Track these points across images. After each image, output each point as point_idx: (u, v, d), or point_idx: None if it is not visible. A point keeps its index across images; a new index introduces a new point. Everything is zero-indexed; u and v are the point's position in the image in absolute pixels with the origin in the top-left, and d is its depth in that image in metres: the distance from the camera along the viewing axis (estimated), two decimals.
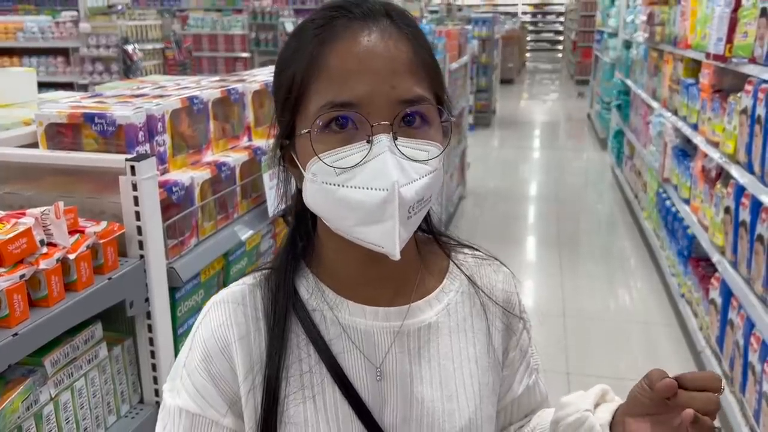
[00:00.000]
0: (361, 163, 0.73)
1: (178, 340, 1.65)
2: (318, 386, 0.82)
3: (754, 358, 2.48)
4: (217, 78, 2.36)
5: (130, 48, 6.46)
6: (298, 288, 0.86)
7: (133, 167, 1.44)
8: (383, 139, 0.73)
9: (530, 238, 5.75)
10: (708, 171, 3.46)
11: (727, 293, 2.91)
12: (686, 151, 4.18)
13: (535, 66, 22.01)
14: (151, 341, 1.56)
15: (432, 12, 13.94)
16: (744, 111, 2.73)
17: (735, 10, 2.96)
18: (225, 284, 1.90)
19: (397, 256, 0.74)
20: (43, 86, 2.57)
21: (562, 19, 25.02)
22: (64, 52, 6.99)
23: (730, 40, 3.00)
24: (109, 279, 1.41)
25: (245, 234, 1.93)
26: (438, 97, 0.80)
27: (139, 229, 1.48)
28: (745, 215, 2.66)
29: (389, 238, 0.73)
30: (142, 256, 1.50)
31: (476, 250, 0.97)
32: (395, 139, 0.74)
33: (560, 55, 24.58)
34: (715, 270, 3.12)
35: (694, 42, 3.77)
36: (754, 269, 2.55)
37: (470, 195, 6.66)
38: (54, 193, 1.53)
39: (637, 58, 6.20)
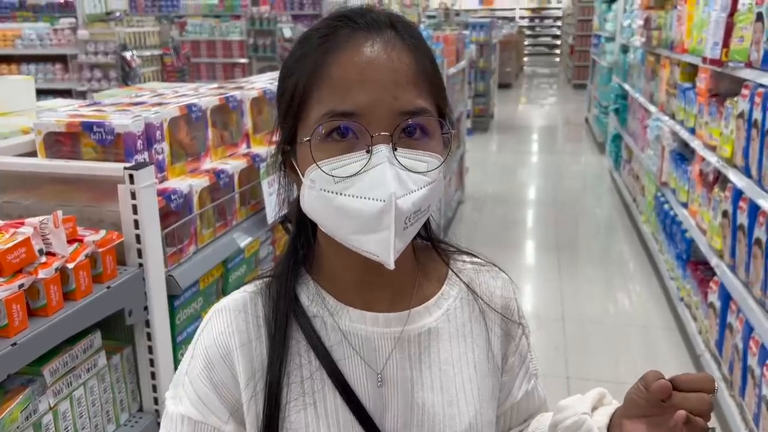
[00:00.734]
0: (359, 172, 0.74)
1: (177, 348, 1.65)
2: (319, 393, 0.83)
3: (753, 361, 2.49)
4: (215, 85, 2.36)
5: (128, 55, 6.47)
6: (298, 295, 0.86)
7: (131, 176, 1.44)
8: (383, 150, 0.74)
9: (529, 242, 5.75)
10: (706, 175, 3.47)
11: (726, 297, 2.91)
12: (684, 155, 4.19)
13: (532, 70, 22.06)
14: (150, 349, 1.56)
15: (430, 17, 13.99)
16: (741, 115, 2.74)
17: (731, 14, 2.97)
18: (224, 292, 1.90)
19: (391, 266, 0.74)
20: (41, 93, 2.57)
21: (559, 23, 25.08)
22: (62, 59, 6.99)
23: (726, 44, 3.01)
24: (108, 288, 1.41)
25: (244, 241, 1.93)
26: (440, 109, 0.81)
27: (138, 238, 1.48)
28: (742, 219, 2.67)
29: (384, 248, 0.74)
30: (141, 265, 1.50)
31: (475, 256, 0.98)
32: (395, 149, 0.74)
33: (558, 59, 24.63)
34: (714, 274, 3.12)
35: (691, 46, 3.78)
36: (753, 273, 2.55)
37: (469, 199, 6.66)
38: (52, 201, 1.54)
39: (635, 62, 6.22)
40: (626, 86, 6.70)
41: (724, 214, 2.94)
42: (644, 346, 3.83)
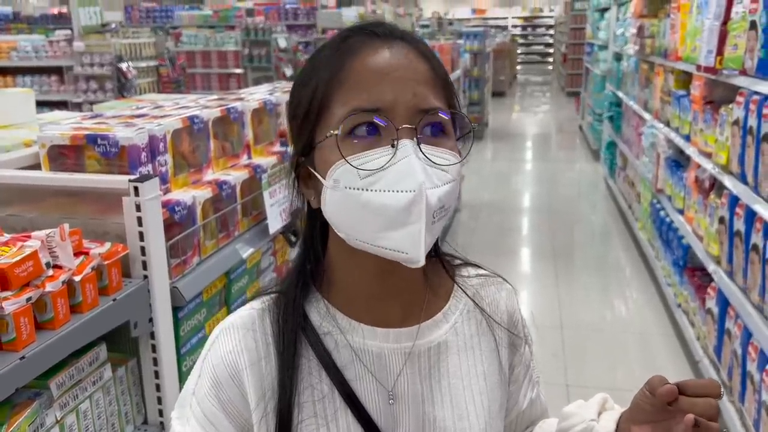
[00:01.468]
0: (386, 166, 0.73)
1: (181, 360, 1.65)
2: (331, 413, 0.82)
3: (752, 367, 2.50)
4: (214, 96, 2.37)
5: (124, 66, 6.48)
6: (308, 312, 0.85)
7: (136, 188, 1.45)
8: (407, 144, 0.74)
9: (525, 249, 5.77)
10: (701, 181, 3.49)
11: (724, 303, 2.93)
12: (679, 161, 4.22)
13: (526, 78, 22.17)
14: (155, 361, 1.56)
15: (423, 26, 14.06)
16: (736, 122, 2.76)
17: (724, 23, 3.00)
18: (227, 302, 1.91)
19: (421, 262, 0.73)
20: (37, 105, 2.57)
21: (552, 31, 25.25)
22: (58, 71, 7.00)
23: (720, 52, 3.04)
24: (114, 300, 1.41)
25: (246, 252, 1.93)
26: (452, 114, 0.82)
27: (143, 250, 1.49)
28: (739, 225, 2.69)
29: (414, 242, 0.73)
30: (145, 277, 1.50)
31: (479, 267, 0.99)
32: (418, 144, 0.75)
33: (551, 67, 24.77)
34: (711, 280, 3.14)
35: (685, 54, 3.82)
36: (750, 278, 2.57)
37: (465, 208, 6.68)
38: (57, 214, 1.54)
39: (628, 70, 6.26)
40: (620, 94, 6.75)
41: (721, 220, 2.96)
42: (642, 352, 3.84)
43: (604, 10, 9.13)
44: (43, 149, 1.60)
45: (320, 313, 0.86)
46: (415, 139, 0.75)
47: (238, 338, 0.84)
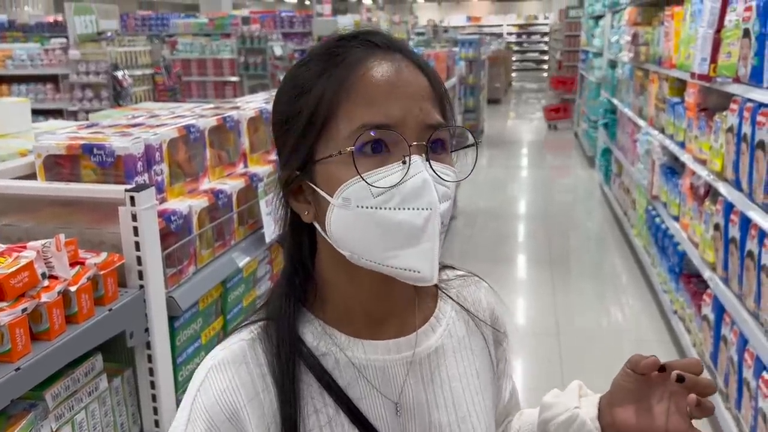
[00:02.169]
0: (399, 183, 0.72)
1: (177, 370, 1.65)
2: None
3: (748, 374, 2.50)
4: (210, 105, 2.37)
5: (119, 74, 6.48)
6: (303, 335, 0.82)
7: (132, 198, 1.45)
8: (418, 160, 0.73)
9: (522, 256, 5.77)
10: (696, 188, 3.51)
11: (720, 309, 2.93)
12: (674, 168, 4.24)
13: (521, 85, 22.24)
14: (151, 371, 1.55)
15: (419, 34, 14.10)
16: (730, 129, 2.78)
17: (718, 30, 3.02)
18: (223, 312, 1.90)
19: (434, 280, 0.73)
20: (32, 113, 2.57)
21: (546, 39, 25.36)
22: (53, 79, 6.99)
23: (714, 60, 3.06)
24: (110, 310, 1.41)
25: (243, 261, 1.93)
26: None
27: (139, 260, 1.49)
28: (734, 232, 2.70)
29: (427, 260, 0.72)
30: (141, 286, 1.50)
31: (454, 268, 0.99)
32: (428, 160, 0.74)
33: (545, 74, 24.87)
34: (707, 286, 3.14)
35: (679, 62, 3.84)
36: (746, 285, 2.58)
37: (461, 215, 6.68)
38: (53, 224, 1.54)
39: (623, 77, 6.29)
40: (615, 101, 6.78)
41: (716, 227, 2.97)
42: None
43: (598, 18, 9.17)
44: (38, 159, 1.60)
45: (315, 333, 0.82)
46: (424, 155, 0.74)
47: (231, 374, 0.78)
